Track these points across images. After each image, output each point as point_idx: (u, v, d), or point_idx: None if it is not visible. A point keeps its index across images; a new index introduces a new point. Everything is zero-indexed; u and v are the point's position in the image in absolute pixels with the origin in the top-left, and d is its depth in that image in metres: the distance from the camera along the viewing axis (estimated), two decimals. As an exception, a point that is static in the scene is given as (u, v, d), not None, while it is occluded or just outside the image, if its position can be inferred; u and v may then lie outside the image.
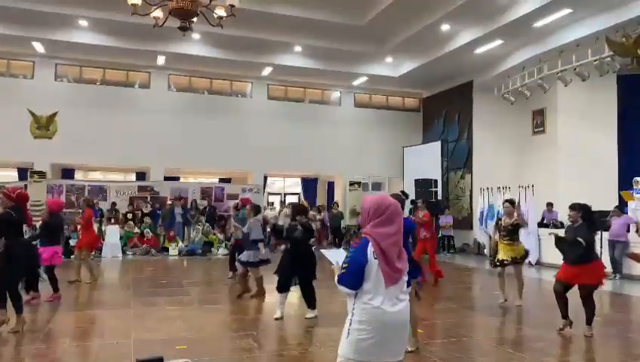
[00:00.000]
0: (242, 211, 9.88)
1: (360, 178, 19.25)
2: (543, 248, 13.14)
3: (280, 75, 18.20)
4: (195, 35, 15.02)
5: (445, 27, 13.91)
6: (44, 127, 16.46)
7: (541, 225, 13.77)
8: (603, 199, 12.01)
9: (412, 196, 15.61)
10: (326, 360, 5.05)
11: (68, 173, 17.71)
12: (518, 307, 7.84)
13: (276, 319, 6.87)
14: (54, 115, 16.53)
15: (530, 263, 13.23)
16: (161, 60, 16.78)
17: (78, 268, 9.84)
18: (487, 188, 15.31)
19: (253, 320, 7.28)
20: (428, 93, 20.09)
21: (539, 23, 12.69)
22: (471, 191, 17.55)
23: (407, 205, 14.90)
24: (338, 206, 18.72)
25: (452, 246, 17.14)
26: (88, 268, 9.89)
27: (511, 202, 8.35)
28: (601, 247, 10.94)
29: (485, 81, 16.59)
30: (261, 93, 18.95)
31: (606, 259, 11.16)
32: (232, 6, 8.03)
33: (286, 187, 21.38)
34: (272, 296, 8.42)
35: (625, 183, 13.01)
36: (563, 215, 12.05)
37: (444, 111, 19.12)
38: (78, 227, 11.88)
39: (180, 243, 15.53)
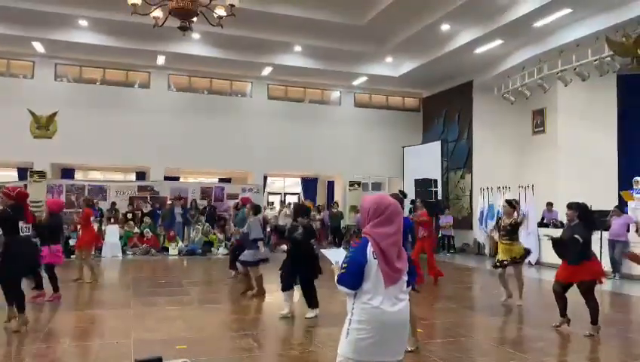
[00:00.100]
0: (242, 210, 9.88)
1: (360, 178, 19.25)
2: (543, 248, 13.14)
3: (280, 74, 18.20)
4: (195, 35, 15.02)
5: (445, 27, 13.91)
6: (44, 126, 16.46)
7: (541, 224, 13.77)
8: (603, 199, 12.01)
9: (412, 196, 15.64)
10: (326, 359, 5.05)
11: (68, 172, 17.71)
12: (519, 307, 7.84)
13: (282, 317, 6.87)
14: (54, 114, 16.53)
15: (530, 263, 13.23)
16: (161, 60, 16.78)
17: (80, 267, 9.89)
18: (487, 188, 15.32)
19: (253, 320, 7.28)
20: (428, 93, 20.09)
21: (539, 23, 12.69)
22: (471, 191, 17.55)
23: (407, 205, 14.95)
24: (338, 206, 18.73)
25: (452, 246, 17.14)
26: (89, 268, 9.89)
27: (509, 202, 8.36)
28: (600, 247, 10.98)
29: (485, 80, 16.59)
30: (261, 93, 18.95)
31: (606, 259, 11.20)
32: (232, 6, 8.04)
33: (286, 187, 21.39)
34: (272, 296, 8.44)
35: (625, 183, 13.02)
36: (563, 215, 11.95)
37: (444, 111, 19.12)
38: (78, 227, 11.89)
39: (180, 243, 15.53)
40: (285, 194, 20.81)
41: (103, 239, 14.26)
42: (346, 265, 2.69)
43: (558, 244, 6.27)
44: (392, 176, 19.78)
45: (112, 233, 14.59)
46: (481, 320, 7.39)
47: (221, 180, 19.43)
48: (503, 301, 8.05)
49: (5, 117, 15.78)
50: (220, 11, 8.44)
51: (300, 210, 7.40)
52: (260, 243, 8.16)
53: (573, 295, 6.27)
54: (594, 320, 6.10)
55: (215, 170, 19.19)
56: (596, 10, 11.89)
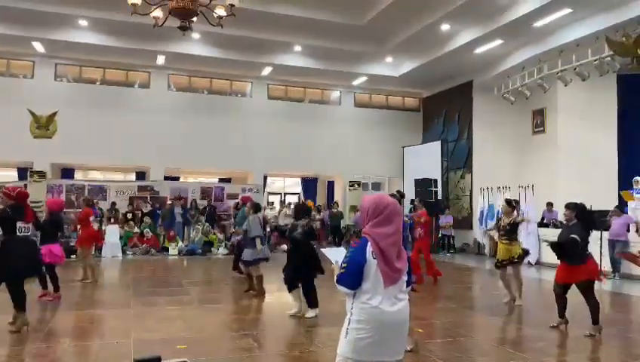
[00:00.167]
0: (242, 209, 9.89)
1: (360, 178, 19.25)
2: (543, 248, 13.12)
3: (280, 74, 18.20)
4: (195, 35, 15.02)
5: (445, 27, 13.91)
6: (44, 126, 16.47)
7: (541, 224, 13.78)
8: (603, 199, 12.01)
9: (413, 196, 15.65)
10: (326, 359, 5.05)
11: (68, 172, 17.71)
12: (518, 306, 7.84)
13: (292, 315, 6.89)
14: (54, 114, 16.53)
15: (530, 263, 13.25)
16: (161, 60, 16.78)
17: (84, 267, 9.91)
18: (487, 188, 15.32)
19: (253, 320, 7.27)
20: (428, 92, 20.09)
21: (539, 23, 12.69)
22: (471, 191, 17.55)
23: (407, 205, 14.96)
24: (338, 205, 18.74)
25: (452, 246, 17.15)
26: (89, 267, 9.89)
27: (508, 202, 8.37)
28: (600, 247, 10.98)
29: (485, 80, 16.59)
30: (261, 93, 18.95)
31: (606, 259, 11.21)
32: (232, 5, 8.04)
33: (286, 187, 21.39)
34: (272, 296, 8.44)
35: (625, 183, 13.02)
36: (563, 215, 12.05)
37: (444, 111, 19.12)
38: (78, 227, 11.90)
39: (180, 243, 15.52)
40: (285, 194, 20.81)
41: (103, 239, 14.26)
42: (345, 264, 2.69)
43: (556, 247, 6.27)
44: (392, 176, 19.78)
45: (112, 233, 14.59)
46: (481, 320, 7.39)
47: (221, 180, 19.42)
48: (506, 302, 8.04)
49: (5, 117, 15.79)
50: (220, 11, 8.44)
51: (301, 210, 7.41)
52: (257, 240, 8.14)
53: (574, 295, 6.27)
54: (595, 320, 6.09)
55: (215, 170, 19.18)
56: (596, 10, 11.89)
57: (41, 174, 15.27)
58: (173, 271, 12.37)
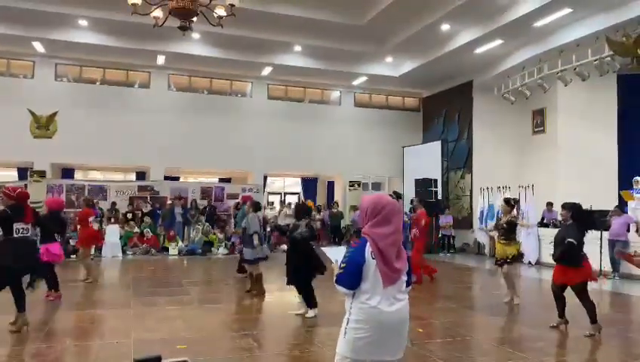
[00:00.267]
0: (242, 209, 9.89)
1: (360, 178, 19.26)
2: (543, 248, 13.14)
3: (280, 74, 18.20)
4: (195, 35, 15.02)
5: (445, 27, 13.91)
6: (44, 126, 16.46)
7: (541, 224, 13.78)
8: (603, 199, 12.03)
9: (413, 195, 15.64)
10: (326, 359, 5.05)
11: (68, 172, 17.71)
12: (516, 305, 7.85)
13: (298, 315, 6.90)
14: (54, 114, 16.53)
15: (530, 263, 13.26)
16: (161, 60, 16.78)
17: (86, 267, 9.90)
18: (487, 188, 15.31)
19: (253, 320, 7.27)
20: (428, 92, 20.09)
21: (539, 23, 12.68)
22: (471, 191, 17.55)
23: (407, 205, 14.95)
24: (338, 205, 18.74)
25: (452, 246, 17.15)
26: (87, 267, 9.89)
27: (507, 201, 8.37)
28: (600, 247, 10.99)
29: (485, 80, 16.59)
30: (261, 93, 18.95)
31: (606, 259, 11.22)
32: (232, 5, 8.04)
33: (286, 187, 21.39)
34: (272, 296, 8.45)
35: (625, 183, 13.01)
36: (563, 215, 12.05)
37: (444, 111, 19.12)
38: (78, 227, 11.90)
39: (180, 243, 15.52)
40: (285, 194, 20.81)
41: (103, 239, 14.26)
42: (344, 264, 2.69)
43: (556, 252, 6.28)
44: (392, 176, 19.78)
45: (113, 233, 14.59)
46: (480, 320, 7.40)
47: (221, 180, 19.42)
48: (506, 301, 8.04)
49: (5, 117, 15.78)
50: (220, 11, 8.44)
51: (301, 210, 7.41)
52: (255, 236, 8.12)
53: (574, 296, 6.27)
54: (593, 320, 6.10)
55: (215, 170, 19.18)
56: (596, 10, 11.89)
57: (41, 174, 15.28)
58: (173, 271, 12.37)
